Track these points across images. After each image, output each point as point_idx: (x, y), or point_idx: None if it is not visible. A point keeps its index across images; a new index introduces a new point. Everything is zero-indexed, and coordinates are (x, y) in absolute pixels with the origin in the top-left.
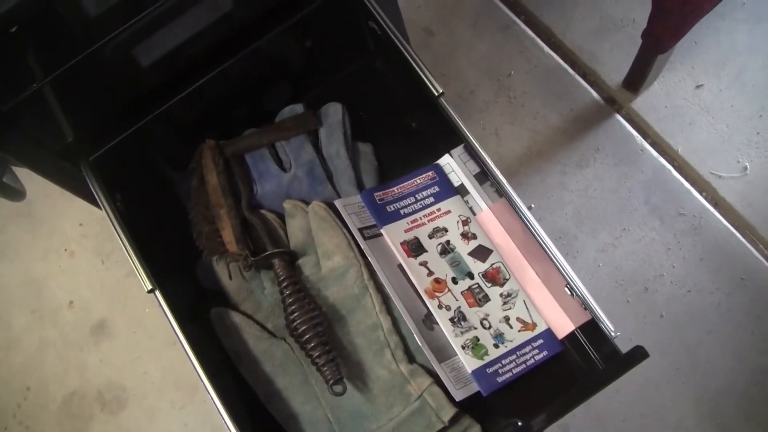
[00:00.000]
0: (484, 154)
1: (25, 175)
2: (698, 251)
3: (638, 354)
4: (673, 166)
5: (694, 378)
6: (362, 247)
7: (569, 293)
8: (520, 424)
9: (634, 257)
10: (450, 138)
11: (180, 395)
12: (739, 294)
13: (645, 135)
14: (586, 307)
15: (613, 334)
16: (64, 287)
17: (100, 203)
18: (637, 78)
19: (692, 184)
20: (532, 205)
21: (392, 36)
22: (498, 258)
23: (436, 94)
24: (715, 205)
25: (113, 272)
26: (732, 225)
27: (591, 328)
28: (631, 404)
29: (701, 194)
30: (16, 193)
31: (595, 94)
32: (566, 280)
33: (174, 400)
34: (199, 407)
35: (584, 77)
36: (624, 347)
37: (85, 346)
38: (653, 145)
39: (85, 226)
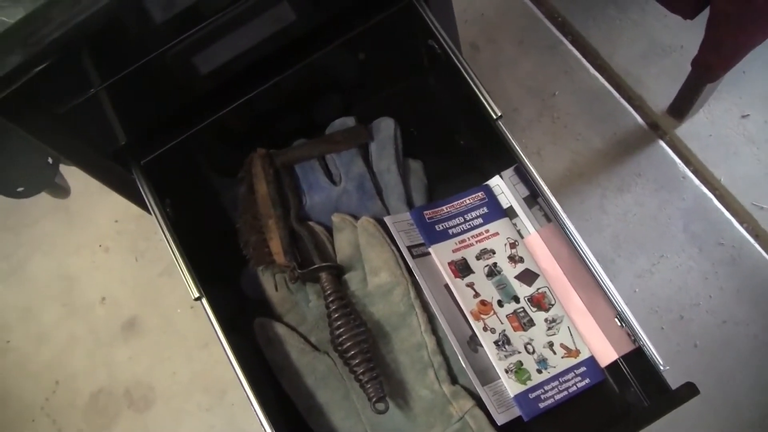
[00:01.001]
0: (538, 177)
1: (64, 170)
2: (736, 282)
3: (688, 391)
4: (715, 195)
5: (725, 410)
6: (410, 265)
7: (617, 322)
8: None
9: (670, 285)
10: (499, 158)
11: (208, 398)
12: None
13: (687, 162)
14: (635, 338)
15: (662, 367)
16: (97, 283)
17: (150, 207)
18: (683, 105)
19: (733, 215)
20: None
21: (453, 56)
22: (544, 283)
23: (495, 116)
24: (756, 237)
25: (147, 270)
26: None
27: (634, 357)
28: None
29: (742, 225)
30: (63, 191)
31: (639, 118)
32: (616, 309)
33: (201, 402)
34: (227, 410)
35: (629, 101)
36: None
37: (115, 343)
38: (695, 173)
39: (120, 223)
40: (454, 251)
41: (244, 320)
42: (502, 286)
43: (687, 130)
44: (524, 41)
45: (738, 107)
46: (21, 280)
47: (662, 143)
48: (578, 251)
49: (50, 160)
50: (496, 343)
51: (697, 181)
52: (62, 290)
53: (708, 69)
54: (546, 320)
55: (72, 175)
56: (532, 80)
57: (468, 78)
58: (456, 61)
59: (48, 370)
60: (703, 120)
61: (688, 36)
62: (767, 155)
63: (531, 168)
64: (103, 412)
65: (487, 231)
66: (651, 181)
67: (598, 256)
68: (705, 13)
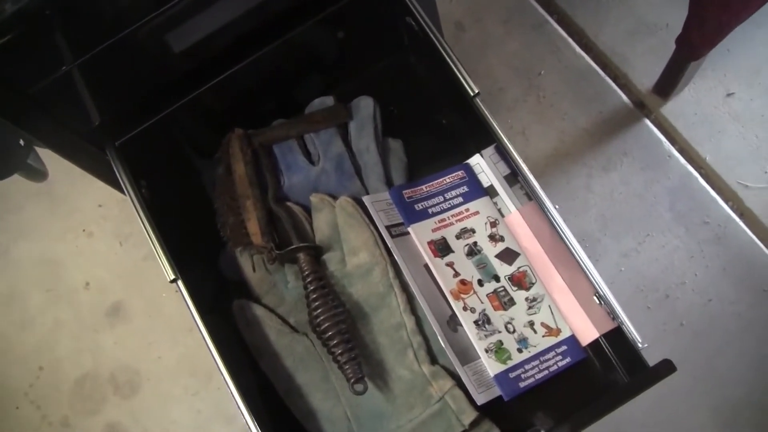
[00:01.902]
0: (517, 156)
1: (45, 154)
2: (721, 261)
3: (665, 368)
4: (700, 173)
5: (712, 388)
6: (389, 245)
7: (596, 300)
8: None
9: (656, 264)
10: (480, 137)
11: (194, 382)
12: (760, 306)
13: (673, 141)
14: (614, 316)
15: (640, 345)
16: (81, 268)
17: (124, 189)
18: (668, 83)
19: (718, 193)
20: (557, 206)
21: (430, 33)
22: (525, 261)
23: (472, 94)
24: (741, 215)
25: (131, 255)
26: (756, 236)
27: (615, 336)
28: (648, 412)
29: (727, 203)
30: (39, 174)
31: (624, 97)
32: (595, 287)
33: (188, 386)
34: (213, 395)
35: (615, 80)
36: (644, 355)
37: (100, 328)
38: (681, 151)
39: (104, 207)
40: (433, 230)
41: (224, 302)
42: (483, 266)
43: (672, 109)
44: (510, 20)
45: (723, 85)
46: (4, 265)
47: (648, 122)
48: (558, 230)
49: (22, 142)
50: (476, 322)
51: (682, 160)
52: (46, 276)
53: (692, 47)
54: (527, 299)
55: (54, 159)
56: (518, 60)
57: (445, 55)
58: (433, 38)
59: (32, 355)
60: (688, 98)
61: (674, 14)
62: (752, 133)
63: (509, 146)
64: (89, 397)
65: (467, 210)
66: (637, 160)
67: (584, 235)
68: None
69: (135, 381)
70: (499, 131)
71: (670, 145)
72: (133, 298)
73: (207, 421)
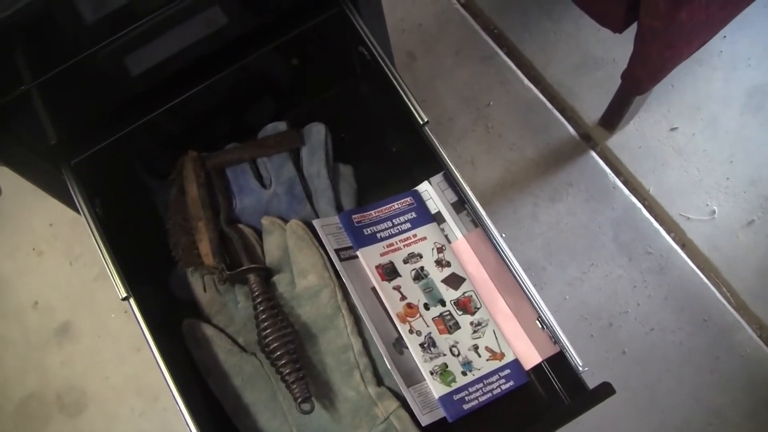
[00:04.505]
0: (464, 183)
1: None
2: (663, 290)
3: (605, 390)
4: (644, 205)
5: (653, 415)
6: (337, 268)
7: (539, 326)
8: None
9: (600, 293)
10: (429, 164)
11: (140, 402)
12: (700, 335)
13: (618, 173)
14: (555, 340)
15: (581, 368)
16: (30, 287)
17: (79, 208)
18: (613, 117)
19: (661, 224)
20: (503, 235)
21: (382, 63)
22: (470, 287)
23: (422, 122)
24: (682, 246)
25: (81, 275)
26: (697, 267)
27: (557, 360)
28: None
29: (669, 235)
30: None
31: (571, 129)
32: (538, 312)
33: (134, 406)
34: (160, 415)
35: (562, 112)
36: (586, 381)
37: (47, 347)
38: (625, 183)
39: (55, 227)
40: (381, 255)
41: (175, 321)
42: (429, 290)
43: (618, 142)
44: (461, 51)
45: (667, 120)
46: None
47: (594, 154)
48: (503, 256)
49: None
50: (421, 345)
51: (626, 192)
52: None
53: (636, 82)
54: (471, 323)
55: (5, 176)
56: (467, 90)
57: (396, 84)
58: (385, 68)
59: None
60: (633, 132)
61: (620, 50)
62: (694, 167)
63: (457, 174)
64: (34, 417)
65: (414, 235)
66: (582, 191)
67: (529, 264)
68: (634, 27)
69: (81, 401)
70: (448, 159)
71: (615, 176)
72: (81, 318)
73: None
